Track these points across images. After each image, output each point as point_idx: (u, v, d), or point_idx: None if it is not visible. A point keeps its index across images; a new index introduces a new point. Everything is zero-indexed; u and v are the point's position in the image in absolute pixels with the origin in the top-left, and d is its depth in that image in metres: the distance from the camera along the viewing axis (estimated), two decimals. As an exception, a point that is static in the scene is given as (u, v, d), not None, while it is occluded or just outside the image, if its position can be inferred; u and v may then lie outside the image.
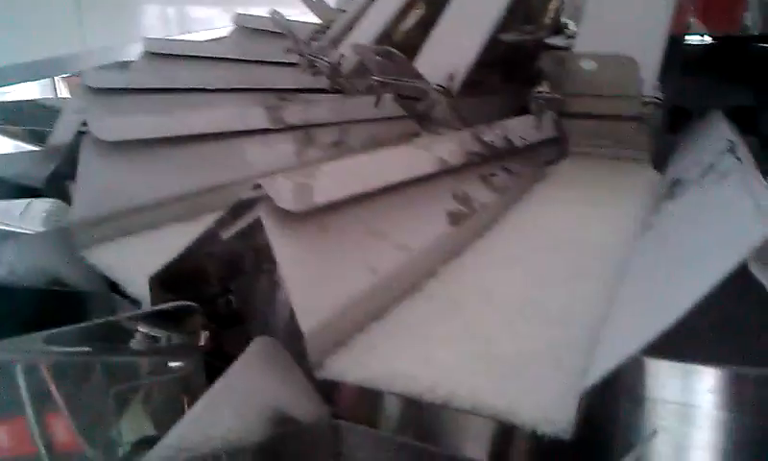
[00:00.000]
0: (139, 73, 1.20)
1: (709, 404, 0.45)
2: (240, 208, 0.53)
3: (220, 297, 0.63)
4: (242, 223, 0.55)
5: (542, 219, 0.68)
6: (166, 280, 0.58)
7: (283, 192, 0.51)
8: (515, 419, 0.42)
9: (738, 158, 0.56)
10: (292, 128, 0.86)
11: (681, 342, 0.47)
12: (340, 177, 0.56)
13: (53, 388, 0.49)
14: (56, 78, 2.18)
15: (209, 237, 0.55)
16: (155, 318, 0.55)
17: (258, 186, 0.51)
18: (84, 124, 0.76)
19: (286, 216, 0.50)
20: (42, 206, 0.83)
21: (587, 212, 0.68)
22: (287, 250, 0.50)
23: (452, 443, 0.48)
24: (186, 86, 1.06)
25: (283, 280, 0.49)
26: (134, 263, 0.67)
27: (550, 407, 0.42)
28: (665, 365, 0.46)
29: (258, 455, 0.45)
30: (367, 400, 0.51)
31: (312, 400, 0.50)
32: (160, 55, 1.29)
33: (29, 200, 0.84)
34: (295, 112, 0.87)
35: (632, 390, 0.47)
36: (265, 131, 0.85)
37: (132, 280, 0.65)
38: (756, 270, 0.38)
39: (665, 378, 0.46)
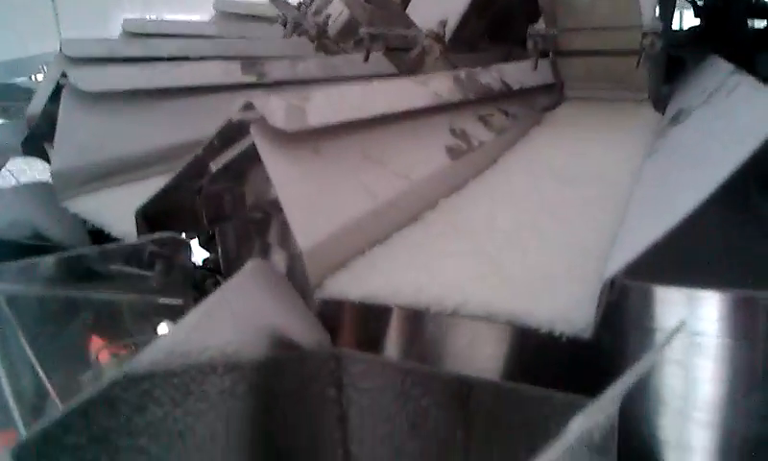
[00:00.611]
0: (120, 44, 1.17)
1: (718, 332, 0.44)
2: (230, 132, 0.50)
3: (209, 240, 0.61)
4: (232, 152, 0.53)
5: (543, 156, 0.66)
6: (152, 216, 0.56)
7: (276, 111, 0.49)
8: (531, 321, 0.40)
9: (745, 76, 0.55)
10: (278, 83, 0.84)
11: (689, 271, 0.46)
12: (334, 102, 0.54)
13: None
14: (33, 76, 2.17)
15: (197, 166, 0.53)
16: (141, 253, 0.53)
17: (249, 106, 0.49)
18: (64, 75, 0.74)
19: (280, 137, 0.49)
20: (20, 164, 0.81)
21: (588, 149, 0.66)
22: (282, 170, 0.48)
23: (459, 361, 0.47)
24: (169, 55, 1.04)
25: (280, 200, 0.47)
26: (119, 210, 0.65)
27: (567, 309, 0.40)
28: (673, 292, 0.45)
29: (256, 375, 0.43)
30: (369, 323, 0.49)
31: (311, 325, 0.48)
32: (140, 34, 1.27)
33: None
34: (280, 68, 0.85)
35: (640, 321, 0.45)
36: (250, 86, 0.83)
37: (117, 224, 0.62)
38: None
39: (673, 307, 0.45)
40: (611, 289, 0.38)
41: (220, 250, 0.63)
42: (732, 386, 0.44)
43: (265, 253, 0.61)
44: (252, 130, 0.48)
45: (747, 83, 0.52)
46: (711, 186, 0.35)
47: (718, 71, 0.64)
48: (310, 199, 0.49)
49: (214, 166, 0.53)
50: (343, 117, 0.54)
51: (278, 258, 0.59)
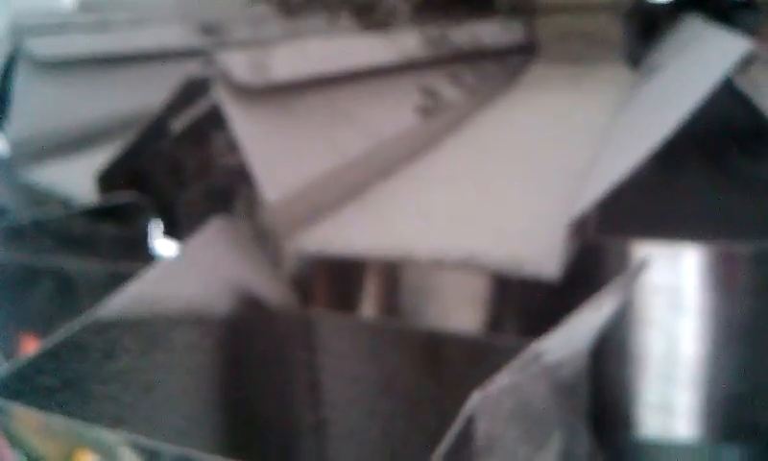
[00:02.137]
0: (75, 14, 1.16)
1: (698, 284, 0.45)
2: (191, 89, 0.51)
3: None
4: (194, 111, 0.53)
5: (516, 117, 0.67)
6: (112, 180, 0.56)
7: (238, 66, 0.49)
8: (503, 266, 0.41)
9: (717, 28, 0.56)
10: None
11: (667, 226, 0.47)
12: (299, 56, 0.55)
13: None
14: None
15: (157, 127, 0.53)
16: (101, 216, 0.53)
17: (210, 62, 0.49)
18: (17, 47, 0.74)
19: (243, 92, 0.49)
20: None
21: (560, 107, 0.67)
22: (246, 125, 0.49)
23: (433, 314, 0.48)
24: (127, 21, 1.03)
25: (244, 155, 0.48)
26: (77, 178, 0.65)
27: (540, 254, 0.41)
28: (652, 247, 0.46)
29: (223, 333, 0.44)
30: (340, 278, 0.50)
31: (279, 285, 0.49)
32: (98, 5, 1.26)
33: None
34: (242, 32, 0.86)
35: (612, 272, 0.46)
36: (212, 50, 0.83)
37: (76, 192, 0.63)
38: (740, 83, 0.38)
39: (653, 261, 0.46)
40: (574, 237, 0.39)
41: (184, 216, 0.64)
42: (713, 342, 0.45)
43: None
44: (214, 85, 0.49)
45: (717, 33, 0.53)
46: (680, 116, 0.36)
47: (692, 28, 0.66)
48: (276, 154, 0.50)
49: (175, 126, 0.54)
50: (308, 72, 0.54)
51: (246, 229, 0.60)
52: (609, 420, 0.47)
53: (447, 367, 0.46)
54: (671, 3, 0.82)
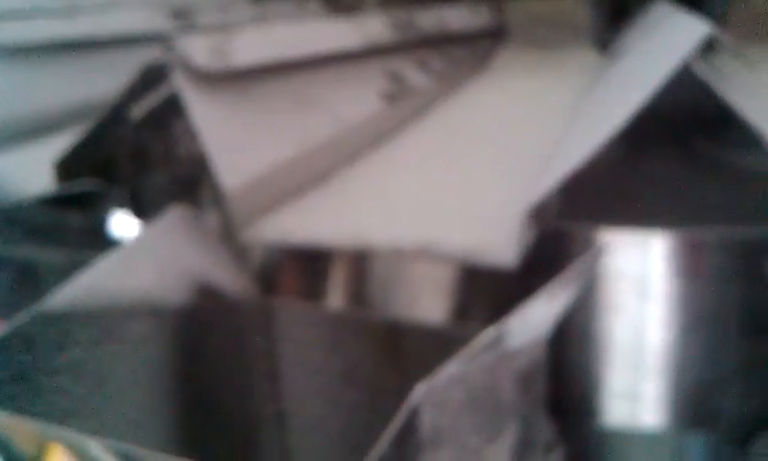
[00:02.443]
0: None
1: (664, 271, 0.45)
2: (150, 75, 0.50)
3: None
4: (154, 97, 0.52)
5: (483, 101, 0.67)
6: (72, 168, 0.55)
7: (197, 52, 0.49)
8: (459, 254, 0.41)
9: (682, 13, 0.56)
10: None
11: (633, 213, 0.47)
12: (261, 41, 0.54)
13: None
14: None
15: (117, 113, 0.53)
16: (65, 204, 0.52)
17: (169, 48, 0.49)
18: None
19: (203, 78, 0.49)
20: None
21: (527, 92, 0.67)
22: (205, 111, 0.48)
23: (394, 302, 0.47)
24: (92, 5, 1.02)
25: (202, 141, 0.47)
26: (38, 166, 0.64)
27: (499, 241, 0.41)
28: (617, 234, 0.46)
29: (179, 323, 0.43)
30: (300, 267, 0.49)
31: (237, 273, 0.48)
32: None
33: None
34: (210, 17, 0.85)
35: (569, 258, 0.46)
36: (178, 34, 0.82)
37: (37, 181, 0.62)
38: (697, 69, 0.38)
39: (618, 248, 0.46)
40: (532, 223, 0.39)
41: (146, 206, 0.63)
42: (679, 330, 0.45)
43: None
44: (173, 71, 0.48)
45: (680, 17, 0.53)
46: (635, 104, 0.36)
47: (658, 13, 0.65)
48: (235, 141, 0.49)
49: (135, 113, 0.53)
50: (270, 57, 0.54)
51: (211, 220, 0.59)
52: (573, 408, 0.47)
53: (410, 356, 0.46)
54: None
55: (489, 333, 0.30)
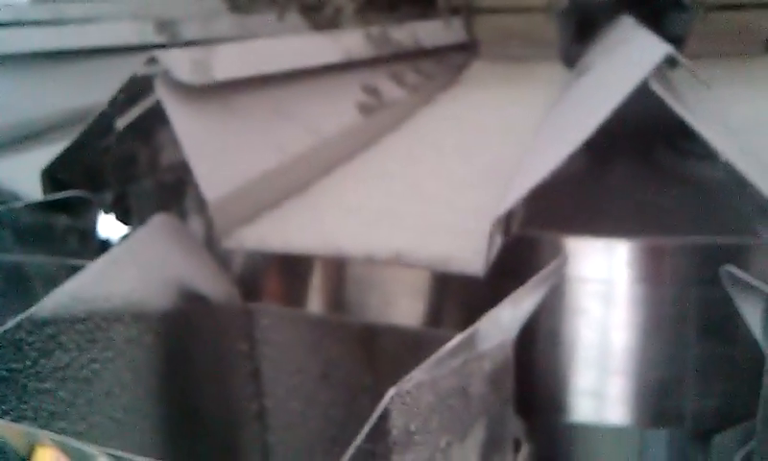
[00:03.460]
0: (26, 9, 1.14)
1: (627, 277, 0.46)
2: (134, 87, 0.50)
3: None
4: (138, 108, 0.53)
5: (454, 114, 0.68)
6: (59, 177, 0.55)
7: (180, 65, 0.49)
8: (428, 263, 0.42)
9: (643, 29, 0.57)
10: (191, 44, 0.83)
11: (597, 222, 0.48)
12: (241, 56, 0.54)
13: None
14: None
15: (103, 123, 0.53)
16: (54, 211, 0.52)
17: (153, 61, 0.49)
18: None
19: (185, 90, 0.49)
20: None
21: (497, 105, 0.68)
22: (187, 123, 0.48)
23: (368, 307, 0.48)
24: (79, 17, 1.02)
25: (185, 153, 0.47)
26: (25, 174, 0.64)
27: (467, 249, 0.42)
28: (583, 242, 0.46)
29: (164, 327, 0.43)
30: (278, 274, 0.50)
31: (220, 279, 0.48)
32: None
33: None
34: (193, 29, 0.85)
35: (536, 265, 0.47)
36: (162, 46, 0.82)
37: (24, 188, 0.62)
38: (655, 86, 0.39)
39: (584, 256, 0.47)
40: (500, 233, 0.40)
41: (133, 213, 0.63)
42: (642, 332, 0.46)
43: (182, 219, 0.61)
44: (156, 84, 0.48)
45: (643, 36, 0.54)
46: (599, 120, 0.37)
47: (622, 30, 0.67)
48: (217, 152, 0.49)
49: (120, 123, 0.53)
50: (251, 71, 0.54)
51: (197, 225, 0.59)
52: (541, 406, 0.48)
53: (385, 358, 0.46)
54: (607, 4, 0.83)
55: (459, 337, 0.30)
